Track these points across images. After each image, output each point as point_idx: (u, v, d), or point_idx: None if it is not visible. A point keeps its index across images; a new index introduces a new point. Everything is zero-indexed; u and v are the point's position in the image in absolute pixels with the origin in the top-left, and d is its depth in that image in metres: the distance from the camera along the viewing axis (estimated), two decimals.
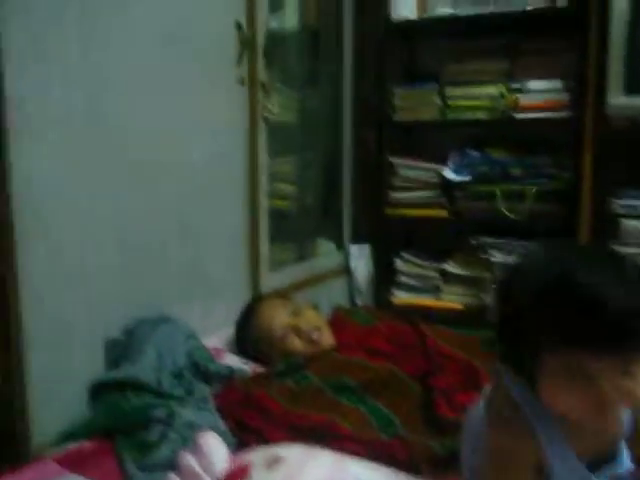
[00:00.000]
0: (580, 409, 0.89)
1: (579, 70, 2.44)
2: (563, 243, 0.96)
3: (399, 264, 2.81)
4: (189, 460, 1.34)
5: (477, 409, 1.06)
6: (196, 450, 1.38)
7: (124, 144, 1.71)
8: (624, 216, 2.35)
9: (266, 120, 2.26)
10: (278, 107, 2.32)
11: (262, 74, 2.23)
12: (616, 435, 1.01)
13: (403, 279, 2.81)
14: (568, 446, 0.96)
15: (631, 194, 2.38)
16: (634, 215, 2.34)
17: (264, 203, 2.35)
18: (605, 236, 2.39)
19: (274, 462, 1.28)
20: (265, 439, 1.55)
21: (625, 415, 1.00)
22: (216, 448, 1.37)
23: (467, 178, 2.59)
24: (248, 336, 1.97)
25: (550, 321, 0.87)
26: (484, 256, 2.61)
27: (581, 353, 0.85)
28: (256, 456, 1.34)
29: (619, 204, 2.36)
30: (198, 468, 1.32)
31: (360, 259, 2.89)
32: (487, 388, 1.07)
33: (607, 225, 2.40)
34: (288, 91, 2.58)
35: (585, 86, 2.42)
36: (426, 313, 2.50)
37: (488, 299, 2.58)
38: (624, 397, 0.87)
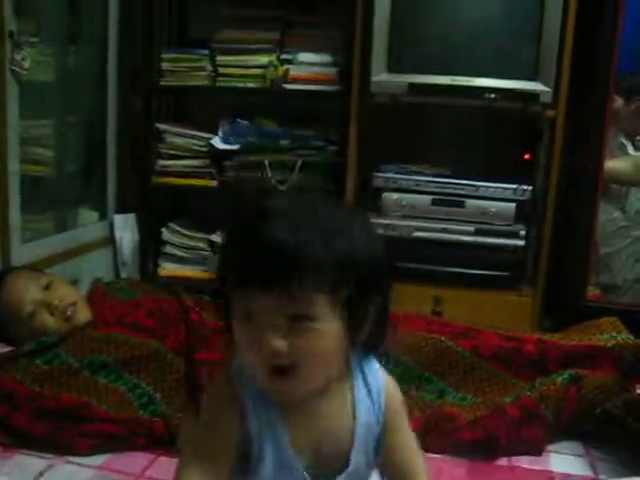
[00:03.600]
0: (248, 359, 0.84)
1: (346, 47, 2.50)
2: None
3: (166, 235, 2.71)
4: None
5: None
6: None
7: None
8: (385, 189, 2.45)
9: (16, 75, 2.04)
10: (31, 62, 2.10)
11: (10, 22, 2.00)
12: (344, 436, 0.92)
13: (170, 250, 2.72)
14: (284, 433, 0.88)
15: (390, 169, 2.49)
16: (393, 188, 2.45)
17: (14, 168, 2.14)
18: (367, 208, 2.48)
19: None
20: (10, 427, 1.42)
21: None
22: None
23: (236, 147, 2.55)
24: None
25: (226, 260, 0.86)
26: None
27: (240, 294, 0.82)
28: None
29: (380, 178, 2.46)
30: None
31: (125, 230, 2.75)
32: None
33: (370, 198, 2.49)
34: (45, 47, 2.36)
35: (351, 62, 2.47)
36: (194, 285, 2.43)
37: None
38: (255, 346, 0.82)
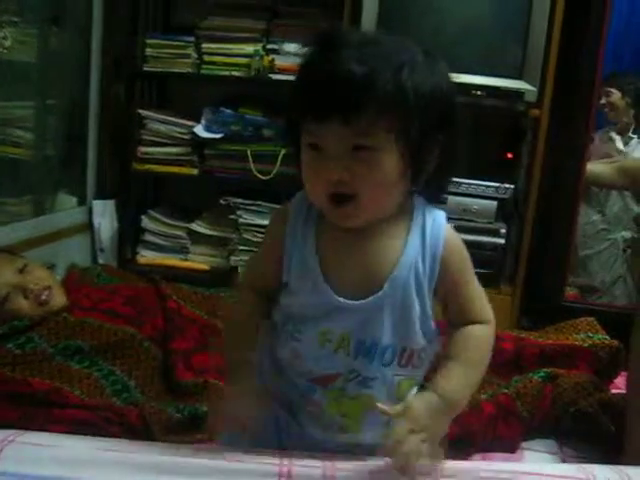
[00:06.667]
0: (311, 189, 0.89)
1: None
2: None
3: (146, 222, 2.69)
4: None
5: None
6: None
7: None
8: None
9: None
10: (11, 41, 2.06)
11: None
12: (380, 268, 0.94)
13: (149, 238, 2.69)
14: (315, 255, 0.94)
15: None
16: None
17: None
18: None
19: None
20: None
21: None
22: None
23: (218, 135, 2.53)
24: None
25: (294, 97, 0.90)
26: (232, 217, 2.58)
27: (307, 123, 0.87)
28: None
29: None
30: None
31: (104, 216, 2.71)
32: None
33: None
34: (27, 27, 2.32)
35: None
36: (172, 273, 2.41)
37: (234, 260, 2.57)
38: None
